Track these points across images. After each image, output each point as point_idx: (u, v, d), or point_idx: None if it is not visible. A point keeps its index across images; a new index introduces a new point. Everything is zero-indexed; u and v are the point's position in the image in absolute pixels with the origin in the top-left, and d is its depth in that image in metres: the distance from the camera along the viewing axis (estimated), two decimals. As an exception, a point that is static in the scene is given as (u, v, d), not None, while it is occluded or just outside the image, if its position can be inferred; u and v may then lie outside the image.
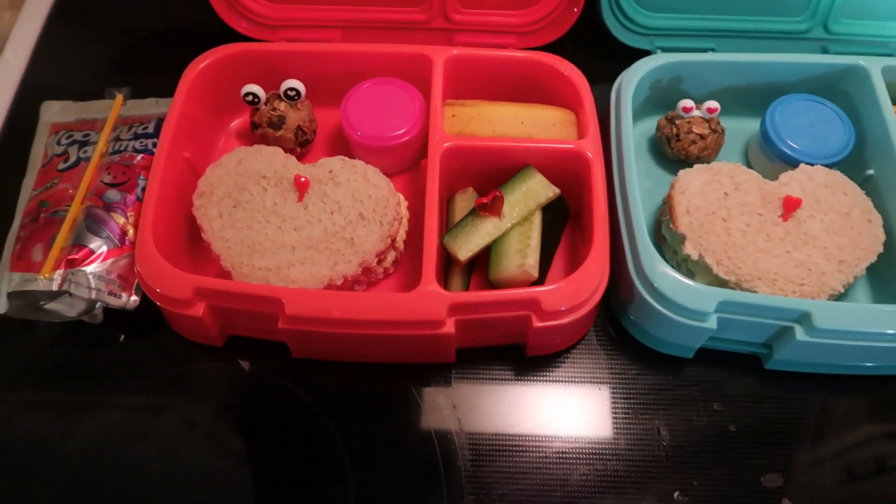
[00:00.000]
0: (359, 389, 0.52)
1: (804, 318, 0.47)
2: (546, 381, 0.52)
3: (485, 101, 0.57)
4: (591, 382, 0.53)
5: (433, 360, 0.52)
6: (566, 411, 0.51)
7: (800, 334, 0.48)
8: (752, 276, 0.50)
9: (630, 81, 0.56)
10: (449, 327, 0.47)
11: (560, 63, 0.57)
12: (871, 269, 0.54)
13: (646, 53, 0.65)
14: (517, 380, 0.52)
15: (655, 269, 0.49)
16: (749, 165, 0.61)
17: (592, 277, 0.48)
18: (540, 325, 0.48)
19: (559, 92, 0.58)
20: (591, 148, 0.53)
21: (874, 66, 0.57)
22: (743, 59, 0.59)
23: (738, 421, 0.51)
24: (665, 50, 0.65)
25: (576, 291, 0.47)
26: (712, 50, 0.65)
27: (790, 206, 0.52)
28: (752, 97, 0.61)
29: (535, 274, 0.51)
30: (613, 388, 0.52)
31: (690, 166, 0.56)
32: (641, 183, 0.58)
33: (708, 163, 0.58)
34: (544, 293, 0.47)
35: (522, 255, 0.51)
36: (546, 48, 0.65)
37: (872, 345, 0.47)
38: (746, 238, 0.51)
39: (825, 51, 0.66)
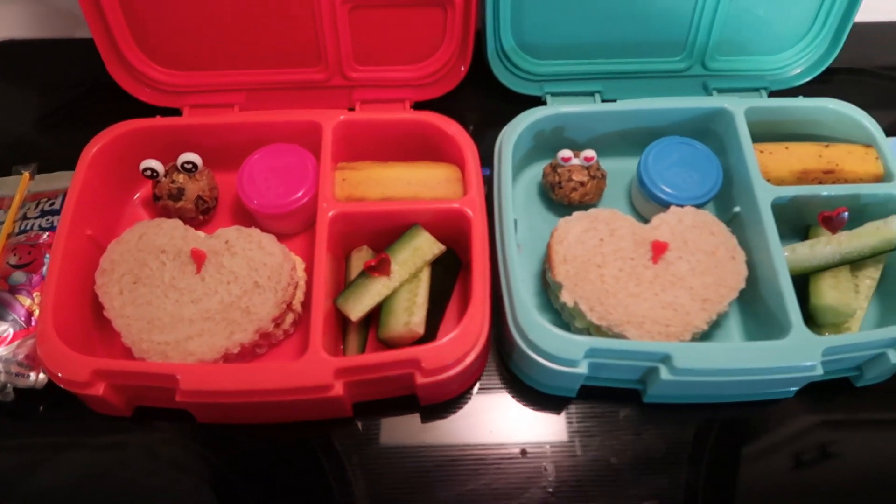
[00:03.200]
0: (265, 449, 0.55)
1: (666, 360, 0.51)
2: (440, 428, 0.56)
3: (375, 162, 0.61)
4: (483, 426, 0.56)
5: (330, 417, 0.55)
6: (459, 456, 0.55)
7: (664, 374, 0.51)
8: (621, 320, 0.53)
9: (509, 139, 0.60)
10: (337, 390, 0.50)
11: (443, 122, 0.60)
12: (744, 304, 0.58)
13: (537, 98, 0.70)
14: (414, 429, 0.55)
15: (530, 321, 0.52)
16: (632, 206, 0.65)
17: (471, 334, 0.51)
18: (424, 381, 0.51)
19: (446, 149, 0.61)
20: (471, 206, 0.56)
21: (738, 109, 0.61)
22: (617, 107, 0.62)
23: (620, 453, 0.55)
24: (554, 95, 0.69)
25: (454, 349, 0.51)
26: (599, 92, 0.69)
27: (658, 249, 0.56)
28: (636, 139, 0.64)
29: (421, 331, 0.54)
30: (504, 430, 0.56)
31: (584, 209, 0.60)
32: (534, 227, 0.62)
33: (592, 206, 0.62)
34: (423, 352, 0.50)
35: (409, 312, 0.55)
36: (445, 97, 0.69)
37: (729, 379, 0.51)
38: (619, 283, 0.55)
39: (705, 87, 0.70)
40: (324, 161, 0.58)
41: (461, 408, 0.57)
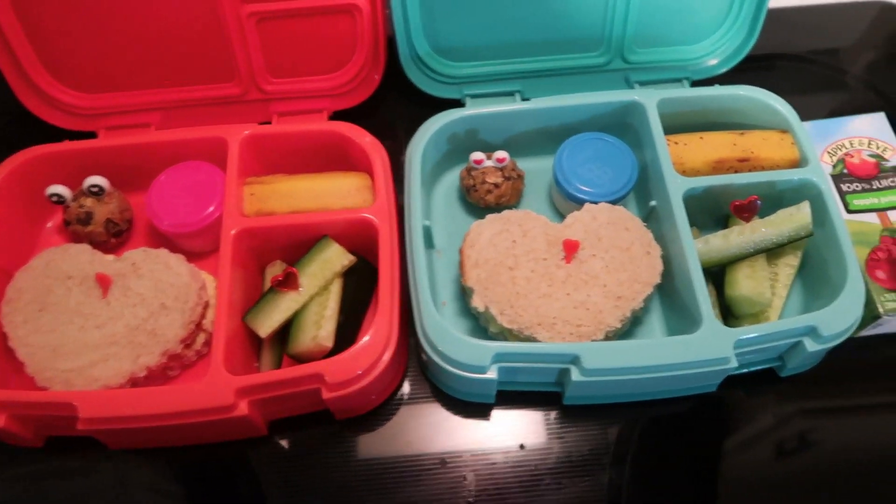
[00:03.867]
0: (180, 472, 0.54)
1: (576, 360, 0.50)
2: (359, 442, 0.55)
3: (283, 175, 0.60)
4: (402, 437, 0.55)
5: (245, 437, 0.54)
6: (378, 470, 0.53)
7: (576, 375, 0.50)
8: (532, 322, 0.52)
9: (417, 145, 0.59)
10: (242, 409, 0.49)
11: (350, 130, 0.60)
12: (665, 300, 0.58)
13: (458, 102, 0.69)
14: (331, 444, 0.54)
15: (436, 329, 0.51)
16: (553, 205, 0.64)
17: (376, 345, 0.50)
18: (330, 395, 0.50)
19: (357, 158, 0.60)
20: (378, 214, 0.55)
21: (650, 101, 0.60)
22: (529, 106, 0.62)
23: (542, 458, 0.54)
24: (474, 97, 0.68)
25: (359, 361, 0.50)
26: (519, 92, 0.68)
27: (570, 248, 0.55)
28: (554, 137, 0.63)
29: (329, 344, 0.53)
30: (424, 440, 0.55)
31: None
32: (454, 232, 0.61)
33: (511, 208, 0.61)
34: (326, 366, 0.49)
35: (317, 326, 0.54)
36: (366, 105, 0.68)
37: (642, 377, 0.50)
38: (530, 285, 0.54)
39: (627, 80, 0.69)
40: (229, 177, 0.57)
41: (380, 420, 0.55)
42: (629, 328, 0.57)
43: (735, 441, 0.54)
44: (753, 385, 0.56)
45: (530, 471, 0.53)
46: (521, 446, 0.54)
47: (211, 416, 0.49)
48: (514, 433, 0.55)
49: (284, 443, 0.54)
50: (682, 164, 0.58)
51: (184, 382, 0.55)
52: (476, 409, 0.56)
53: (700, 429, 0.55)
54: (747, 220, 0.56)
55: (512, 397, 0.55)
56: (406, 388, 0.57)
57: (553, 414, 0.55)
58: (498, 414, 0.56)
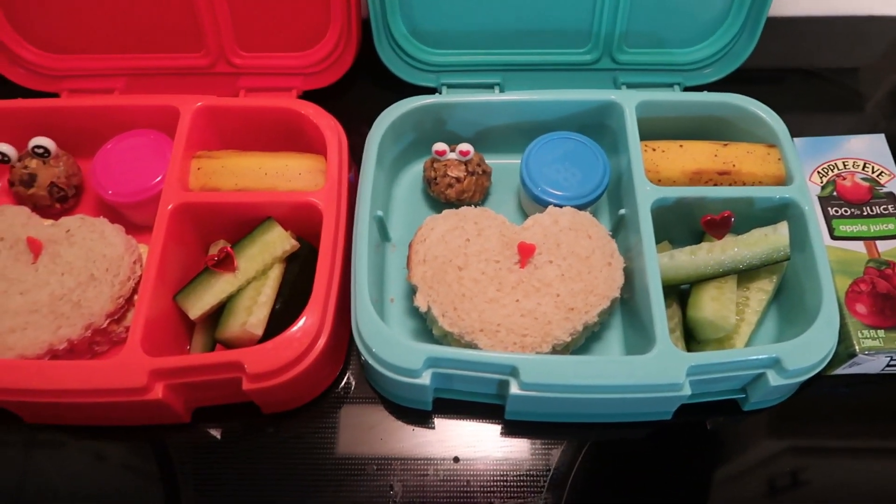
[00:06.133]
0: (93, 452, 0.51)
1: (515, 372, 0.46)
2: (284, 438, 0.51)
3: (234, 151, 0.57)
4: (331, 438, 0.51)
5: (163, 422, 0.51)
6: (301, 470, 0.50)
7: (514, 388, 0.47)
8: (474, 327, 0.49)
9: (377, 130, 0.56)
10: (156, 393, 0.46)
11: (310, 109, 0.56)
12: (626, 316, 0.54)
13: (434, 90, 0.65)
14: (255, 439, 0.51)
15: (370, 328, 0.48)
16: (521, 207, 0.60)
17: (304, 337, 0.47)
18: (250, 387, 0.47)
19: (315, 139, 0.57)
20: (325, 199, 0.52)
21: (629, 102, 0.56)
22: (501, 98, 0.58)
23: (476, 473, 0.50)
24: (451, 86, 0.64)
25: (281, 352, 0.47)
26: (498, 84, 0.64)
27: (525, 252, 0.51)
28: (530, 134, 0.59)
29: (259, 332, 0.50)
30: (353, 444, 0.51)
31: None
32: (415, 226, 0.57)
33: (475, 206, 0.57)
34: (247, 355, 0.46)
35: (248, 312, 0.51)
36: (337, 88, 0.65)
37: (585, 396, 0.46)
38: (478, 287, 0.50)
39: (615, 82, 0.65)
40: (176, 148, 0.55)
41: (309, 417, 0.52)
42: (585, 344, 0.53)
43: (686, 474, 0.50)
44: (713, 416, 0.51)
45: (461, 486, 0.50)
46: (456, 459, 0.51)
47: (122, 396, 0.46)
48: (450, 445, 0.51)
49: (206, 432, 0.52)
50: (658, 172, 0.54)
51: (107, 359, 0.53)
52: (412, 415, 0.52)
53: (650, 459, 0.50)
54: (719, 237, 0.51)
55: (452, 406, 0.52)
56: (342, 386, 0.54)
57: (494, 428, 0.52)
58: (435, 422, 0.52)
